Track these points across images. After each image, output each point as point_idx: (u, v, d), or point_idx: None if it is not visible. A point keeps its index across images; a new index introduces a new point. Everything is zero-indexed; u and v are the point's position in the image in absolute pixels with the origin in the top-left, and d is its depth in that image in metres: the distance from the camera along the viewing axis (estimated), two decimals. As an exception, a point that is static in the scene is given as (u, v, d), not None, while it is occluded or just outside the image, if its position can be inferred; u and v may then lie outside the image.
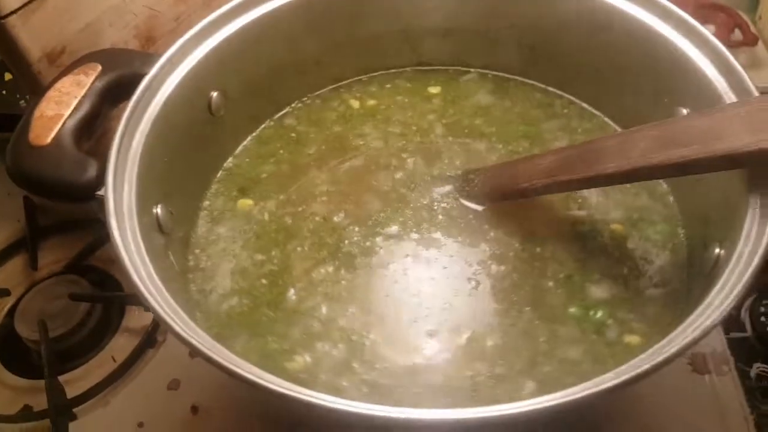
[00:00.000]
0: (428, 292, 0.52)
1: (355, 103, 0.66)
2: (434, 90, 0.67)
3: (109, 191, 0.44)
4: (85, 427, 0.65)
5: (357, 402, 0.35)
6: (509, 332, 0.49)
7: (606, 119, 0.62)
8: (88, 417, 0.66)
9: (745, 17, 0.88)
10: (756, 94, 0.45)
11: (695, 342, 0.37)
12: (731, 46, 0.87)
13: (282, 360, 0.49)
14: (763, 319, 0.64)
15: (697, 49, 0.50)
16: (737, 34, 0.87)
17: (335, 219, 0.57)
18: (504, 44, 0.63)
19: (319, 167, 0.61)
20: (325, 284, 0.53)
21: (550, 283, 0.52)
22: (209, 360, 0.38)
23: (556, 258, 0.53)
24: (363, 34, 0.63)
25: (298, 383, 0.37)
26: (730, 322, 0.65)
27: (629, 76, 0.56)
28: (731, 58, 0.47)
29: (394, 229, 0.56)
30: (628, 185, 0.56)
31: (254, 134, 0.63)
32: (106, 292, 0.74)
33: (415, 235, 0.55)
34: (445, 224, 0.56)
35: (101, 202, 0.45)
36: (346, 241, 0.55)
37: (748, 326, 0.65)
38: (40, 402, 0.66)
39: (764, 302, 0.64)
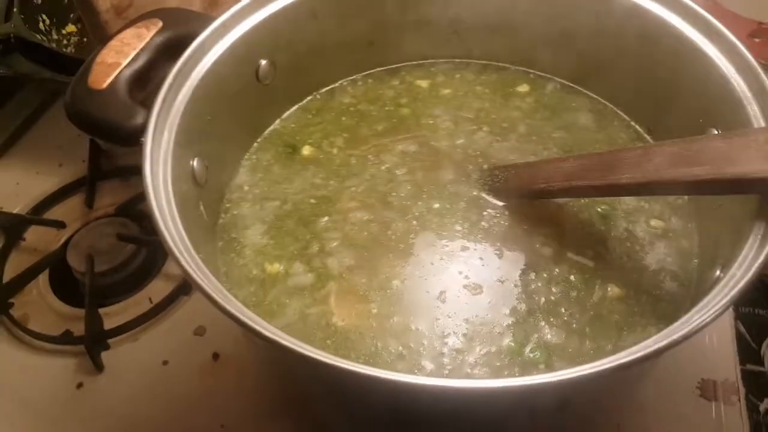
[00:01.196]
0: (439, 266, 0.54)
1: (423, 83, 0.68)
2: (522, 89, 0.67)
3: (148, 137, 0.48)
4: (116, 357, 0.70)
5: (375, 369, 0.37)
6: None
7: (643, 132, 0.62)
8: (119, 349, 0.71)
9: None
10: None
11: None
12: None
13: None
14: (783, 356, 0.62)
15: (735, 71, 0.49)
16: None
17: (397, 172, 0.60)
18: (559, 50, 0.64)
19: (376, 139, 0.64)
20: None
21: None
22: (220, 309, 0.40)
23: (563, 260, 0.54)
24: (412, 18, 0.64)
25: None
26: (748, 354, 0.64)
27: (672, 94, 0.56)
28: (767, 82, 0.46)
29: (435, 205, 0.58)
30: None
31: (301, 104, 0.66)
32: (152, 237, 0.79)
33: (448, 218, 0.57)
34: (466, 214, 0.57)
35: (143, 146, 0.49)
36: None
37: (766, 362, 0.63)
38: (80, 329, 0.72)
39: (788, 340, 0.63)
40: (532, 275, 0.52)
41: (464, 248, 0.54)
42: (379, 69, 0.69)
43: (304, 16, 0.60)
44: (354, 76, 0.68)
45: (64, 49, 0.92)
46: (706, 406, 0.62)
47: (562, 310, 0.50)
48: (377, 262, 0.54)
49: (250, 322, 0.39)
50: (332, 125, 0.65)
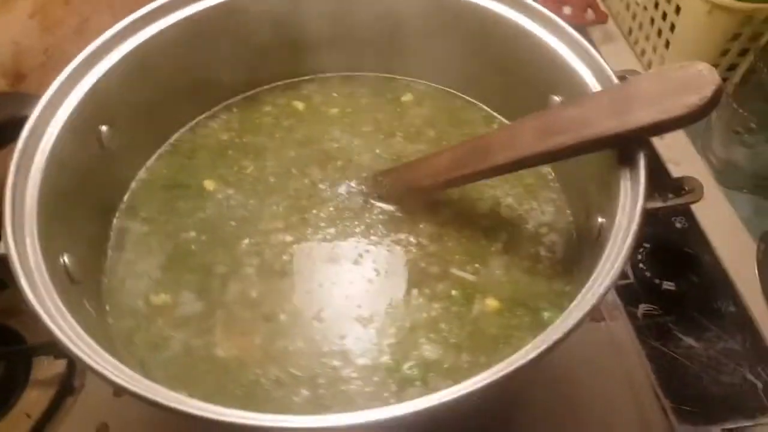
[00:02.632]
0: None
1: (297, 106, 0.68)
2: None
3: (11, 250, 0.42)
4: (9, 491, 0.62)
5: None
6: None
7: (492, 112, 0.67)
8: (11, 481, 0.63)
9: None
10: (615, 80, 0.50)
11: (595, 307, 0.41)
12: (586, 25, 0.95)
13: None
14: (641, 266, 0.72)
15: (559, 40, 0.55)
16: (590, 14, 0.95)
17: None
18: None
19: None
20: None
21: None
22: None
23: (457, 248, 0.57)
24: (252, 47, 0.63)
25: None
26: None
27: (506, 71, 0.61)
28: (590, 48, 0.52)
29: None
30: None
31: (148, 164, 0.62)
32: (10, 347, 0.70)
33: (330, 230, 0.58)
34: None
35: (2, 261, 0.43)
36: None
37: (630, 274, 0.73)
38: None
39: (640, 251, 0.73)
40: (415, 292, 0.54)
41: (351, 263, 0.56)
42: (235, 99, 0.67)
43: (133, 71, 0.56)
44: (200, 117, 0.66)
45: None
46: (597, 326, 0.70)
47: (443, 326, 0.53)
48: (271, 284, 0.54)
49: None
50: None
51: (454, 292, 0.54)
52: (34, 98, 0.49)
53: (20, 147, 0.47)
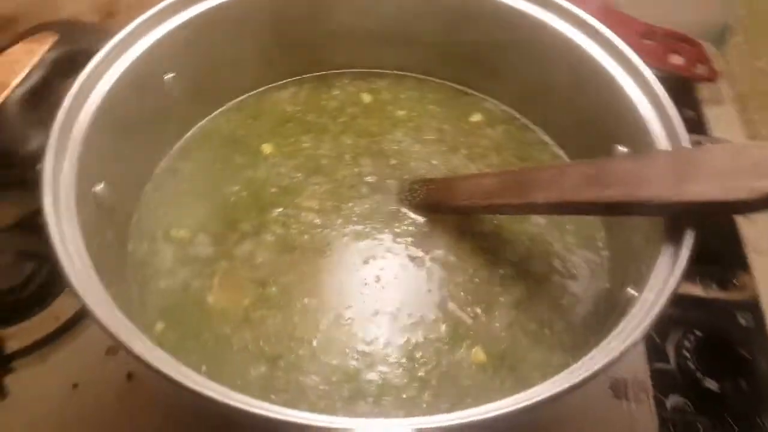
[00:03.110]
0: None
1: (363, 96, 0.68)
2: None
3: (47, 169, 0.45)
4: (21, 382, 0.66)
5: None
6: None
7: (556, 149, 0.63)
8: (24, 372, 0.67)
9: (711, 50, 0.88)
10: (687, 144, 0.46)
11: (584, 382, 0.38)
12: (694, 80, 0.88)
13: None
14: (685, 353, 0.66)
15: (639, 89, 0.51)
16: (700, 69, 0.87)
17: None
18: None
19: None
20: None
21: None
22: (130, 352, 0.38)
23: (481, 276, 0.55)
24: (329, 28, 0.63)
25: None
26: (655, 353, 0.67)
27: (577, 108, 0.58)
28: (669, 102, 0.49)
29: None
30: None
31: (211, 116, 0.64)
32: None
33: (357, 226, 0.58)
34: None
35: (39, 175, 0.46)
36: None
37: (672, 358, 0.67)
38: (-22, 353, 0.67)
39: (689, 337, 0.66)
40: (405, 312, 0.53)
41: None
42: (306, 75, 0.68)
43: (207, 30, 0.57)
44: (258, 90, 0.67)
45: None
46: (618, 405, 0.64)
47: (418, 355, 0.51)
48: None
49: (155, 364, 0.37)
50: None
51: (443, 328, 0.52)
52: (111, 34, 0.52)
53: (83, 77, 0.49)
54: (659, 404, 0.64)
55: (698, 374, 0.65)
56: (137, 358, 0.38)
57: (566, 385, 0.38)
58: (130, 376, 0.67)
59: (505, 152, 0.64)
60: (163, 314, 0.52)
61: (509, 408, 0.36)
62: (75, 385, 0.66)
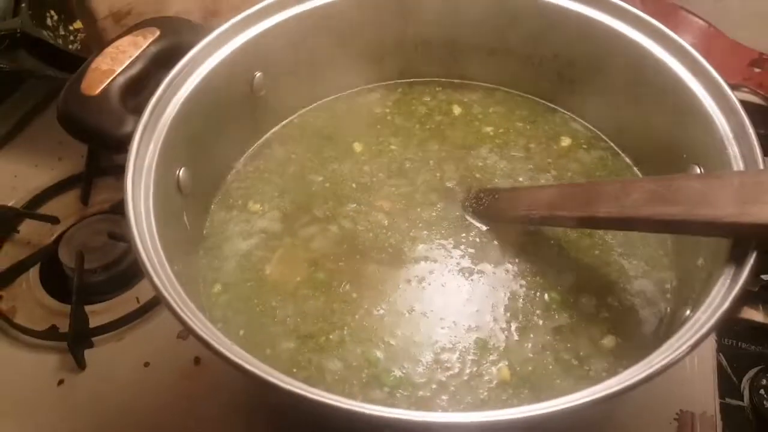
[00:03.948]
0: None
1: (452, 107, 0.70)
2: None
3: (133, 147, 0.48)
4: (99, 356, 0.71)
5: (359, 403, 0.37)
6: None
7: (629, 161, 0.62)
8: (102, 348, 0.72)
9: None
10: (761, 164, 0.44)
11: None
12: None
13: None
14: (762, 392, 0.62)
15: (719, 110, 0.50)
16: None
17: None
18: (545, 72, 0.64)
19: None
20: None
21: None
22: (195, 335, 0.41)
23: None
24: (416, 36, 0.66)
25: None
26: (728, 389, 0.64)
27: (656, 125, 0.56)
28: (746, 120, 0.47)
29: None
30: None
31: (301, 112, 0.68)
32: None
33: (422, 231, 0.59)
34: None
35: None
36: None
37: (746, 396, 0.63)
38: (66, 325, 0.72)
39: (767, 376, 0.62)
40: (439, 318, 0.53)
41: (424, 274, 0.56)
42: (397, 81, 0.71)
43: (300, 32, 0.60)
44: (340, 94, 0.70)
45: (71, 46, 0.92)
46: (683, 438, 0.61)
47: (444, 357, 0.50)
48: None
49: (216, 345, 0.39)
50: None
51: (474, 338, 0.52)
52: (209, 31, 0.56)
53: (177, 67, 0.53)
54: (729, 445, 0.61)
55: (774, 416, 0.61)
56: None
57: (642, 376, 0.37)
58: (197, 360, 0.70)
59: (594, 178, 0.63)
60: (222, 276, 0.56)
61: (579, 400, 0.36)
62: (146, 364, 0.70)
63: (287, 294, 0.55)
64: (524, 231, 0.57)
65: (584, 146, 0.65)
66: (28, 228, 0.83)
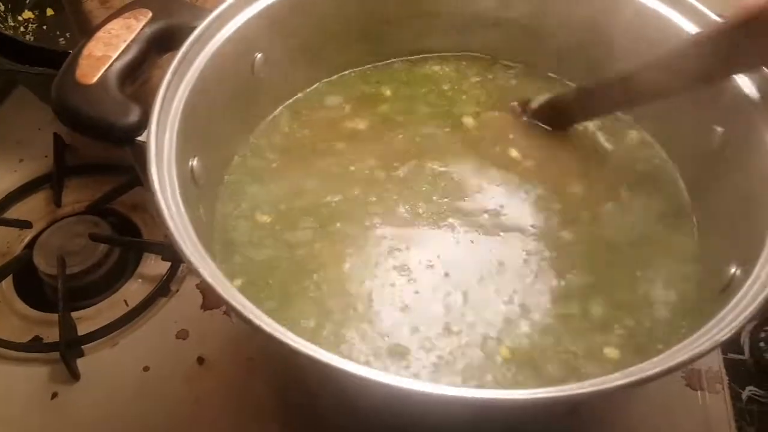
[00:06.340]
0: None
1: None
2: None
3: (151, 138, 0.45)
4: (93, 364, 0.67)
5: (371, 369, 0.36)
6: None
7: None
8: (95, 355, 0.68)
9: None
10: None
11: (701, 355, 0.38)
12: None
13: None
14: (762, 344, 0.65)
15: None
16: None
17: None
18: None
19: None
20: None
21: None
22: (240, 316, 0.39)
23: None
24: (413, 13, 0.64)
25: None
26: (729, 344, 0.67)
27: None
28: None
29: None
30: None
31: (289, 102, 0.64)
32: (126, 237, 0.76)
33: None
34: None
35: (138, 148, 0.46)
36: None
37: (746, 350, 0.66)
38: (50, 335, 0.68)
39: (765, 329, 0.66)
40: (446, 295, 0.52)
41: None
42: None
43: (299, 10, 0.58)
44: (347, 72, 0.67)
45: (23, 37, 0.86)
46: (692, 395, 0.64)
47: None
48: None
49: (277, 334, 0.37)
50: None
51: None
52: (206, 12, 0.53)
53: (183, 50, 0.50)
54: (734, 395, 0.64)
55: (776, 367, 0.64)
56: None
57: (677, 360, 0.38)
58: (200, 360, 0.67)
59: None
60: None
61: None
62: (146, 368, 0.67)
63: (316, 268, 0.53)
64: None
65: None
66: (-6, 235, 0.77)
